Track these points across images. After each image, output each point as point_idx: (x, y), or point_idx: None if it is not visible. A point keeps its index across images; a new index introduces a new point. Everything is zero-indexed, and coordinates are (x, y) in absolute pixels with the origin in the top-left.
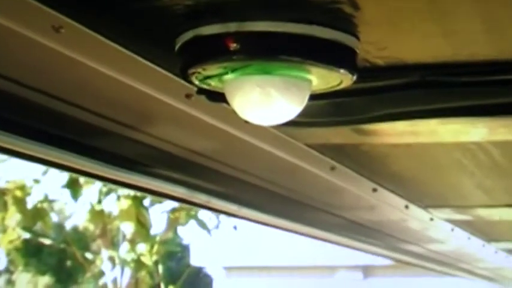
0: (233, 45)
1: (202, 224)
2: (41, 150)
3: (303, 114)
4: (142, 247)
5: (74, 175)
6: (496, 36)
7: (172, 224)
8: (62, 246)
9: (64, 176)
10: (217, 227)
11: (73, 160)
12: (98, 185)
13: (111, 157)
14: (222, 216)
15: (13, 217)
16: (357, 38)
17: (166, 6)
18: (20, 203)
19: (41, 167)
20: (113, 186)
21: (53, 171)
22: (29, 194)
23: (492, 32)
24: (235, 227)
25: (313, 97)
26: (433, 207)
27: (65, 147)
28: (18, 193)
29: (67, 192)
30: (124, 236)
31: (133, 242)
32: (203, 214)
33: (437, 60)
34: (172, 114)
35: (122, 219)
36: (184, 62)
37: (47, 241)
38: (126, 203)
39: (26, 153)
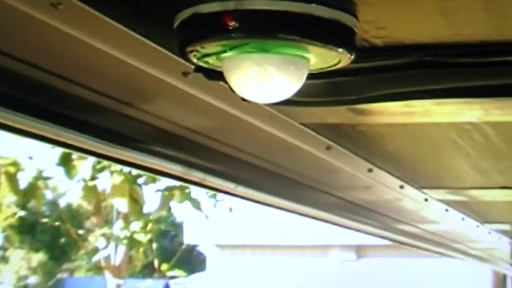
0: (232, 23)
1: (196, 205)
2: (36, 126)
3: (299, 93)
4: (136, 225)
5: (67, 152)
6: (495, 16)
7: (166, 202)
8: (56, 223)
9: (57, 153)
10: (214, 205)
11: (68, 136)
12: (91, 161)
13: (108, 134)
14: (219, 196)
15: (8, 194)
16: (356, 17)
17: None
18: (13, 179)
19: (35, 144)
20: (106, 164)
21: (47, 150)
22: (22, 170)
23: (491, 12)
24: (230, 209)
25: (311, 76)
26: (428, 187)
27: (61, 123)
28: (11, 169)
29: (61, 169)
30: (118, 214)
31: (127, 220)
32: (199, 193)
33: (436, 41)
34: (169, 92)
35: (114, 195)
36: (182, 39)
37: (40, 218)
38: (119, 180)
39: (21, 128)
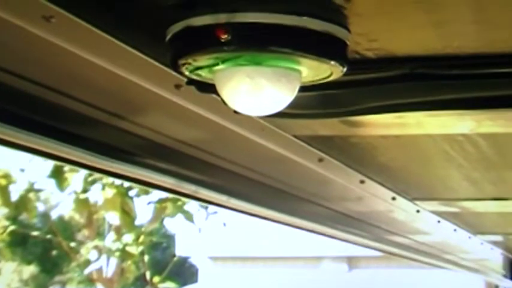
0: (224, 36)
1: (188, 217)
2: (27, 139)
3: (292, 105)
4: (128, 237)
5: (59, 164)
6: (486, 28)
7: (158, 214)
8: (48, 236)
9: (49, 165)
10: (206, 218)
11: (61, 149)
12: (82, 174)
13: (100, 146)
14: (211, 209)
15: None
16: (348, 29)
17: None
18: (4, 192)
19: (26, 157)
20: (97, 176)
21: (38, 162)
22: (13, 183)
23: (482, 23)
24: (224, 224)
25: (303, 88)
26: (420, 199)
27: (53, 136)
28: (3, 181)
29: (53, 181)
30: (110, 226)
31: (119, 232)
32: (191, 205)
33: (427, 53)
34: (161, 105)
35: (106, 208)
36: (174, 52)
37: (32, 231)
38: (111, 193)
39: (12, 141)
